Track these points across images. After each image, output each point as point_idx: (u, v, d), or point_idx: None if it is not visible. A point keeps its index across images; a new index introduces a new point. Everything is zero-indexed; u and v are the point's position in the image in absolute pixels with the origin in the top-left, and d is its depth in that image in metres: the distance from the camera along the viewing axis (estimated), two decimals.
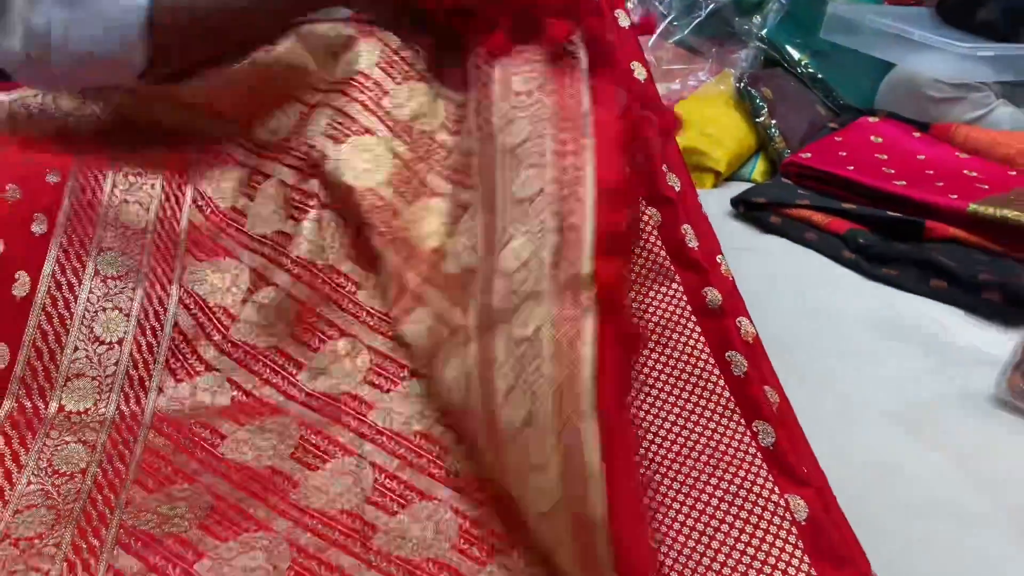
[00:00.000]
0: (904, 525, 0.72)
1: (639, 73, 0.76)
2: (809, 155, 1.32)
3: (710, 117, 1.41)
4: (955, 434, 0.84)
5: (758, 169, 1.43)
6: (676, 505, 0.63)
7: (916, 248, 1.11)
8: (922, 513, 0.74)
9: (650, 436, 0.66)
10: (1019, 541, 0.72)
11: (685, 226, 0.72)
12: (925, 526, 0.73)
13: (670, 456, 0.65)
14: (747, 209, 1.26)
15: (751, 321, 0.70)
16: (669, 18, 1.64)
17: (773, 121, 1.43)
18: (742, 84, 1.47)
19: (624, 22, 0.78)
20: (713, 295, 0.70)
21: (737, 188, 1.33)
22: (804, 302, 1.04)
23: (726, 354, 0.68)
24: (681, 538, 0.62)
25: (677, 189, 0.73)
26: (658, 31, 1.62)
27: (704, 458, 0.65)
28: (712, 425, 0.66)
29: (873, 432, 0.84)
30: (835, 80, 1.54)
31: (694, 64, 1.59)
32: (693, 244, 0.72)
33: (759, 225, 1.24)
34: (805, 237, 1.19)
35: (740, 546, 0.61)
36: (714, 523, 0.62)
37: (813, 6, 1.57)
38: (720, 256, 0.73)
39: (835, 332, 1.00)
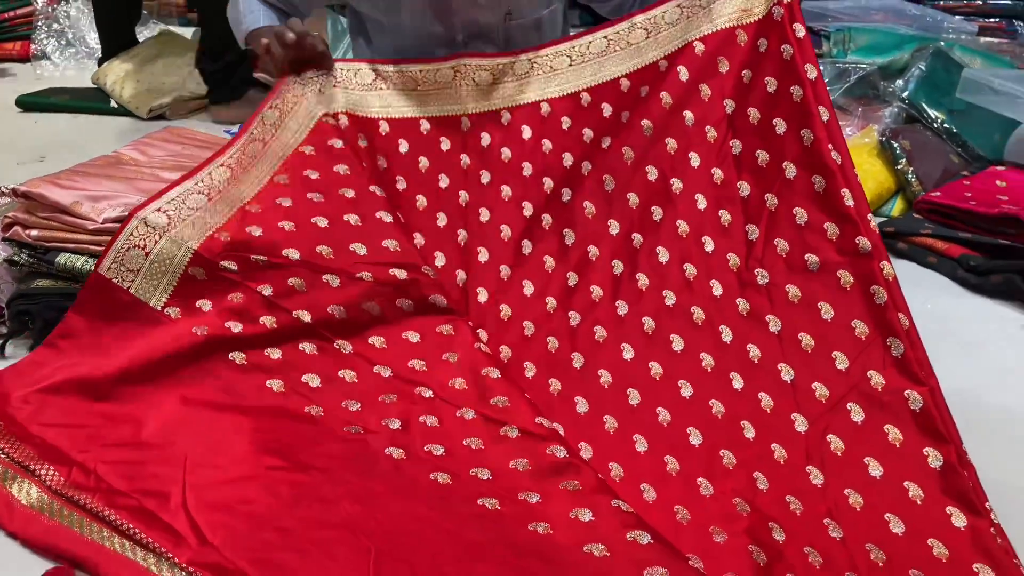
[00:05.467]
0: None
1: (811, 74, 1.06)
2: (939, 194, 1.59)
3: (855, 164, 1.69)
4: None
5: (896, 208, 1.70)
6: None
7: (1012, 264, 1.36)
8: None
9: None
10: None
11: (844, 190, 0.99)
12: None
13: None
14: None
15: (891, 264, 0.94)
16: None
17: (911, 168, 1.70)
18: (884, 137, 1.74)
19: (800, 33, 1.07)
20: (863, 242, 0.96)
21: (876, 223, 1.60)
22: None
23: (871, 287, 0.94)
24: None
25: (839, 162, 1.01)
26: None
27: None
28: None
29: None
30: (968, 134, 1.78)
31: (843, 121, 1.87)
32: (849, 203, 0.98)
33: (891, 251, 1.51)
34: (927, 260, 1.47)
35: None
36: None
37: (950, 71, 1.84)
38: (870, 215, 0.97)
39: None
